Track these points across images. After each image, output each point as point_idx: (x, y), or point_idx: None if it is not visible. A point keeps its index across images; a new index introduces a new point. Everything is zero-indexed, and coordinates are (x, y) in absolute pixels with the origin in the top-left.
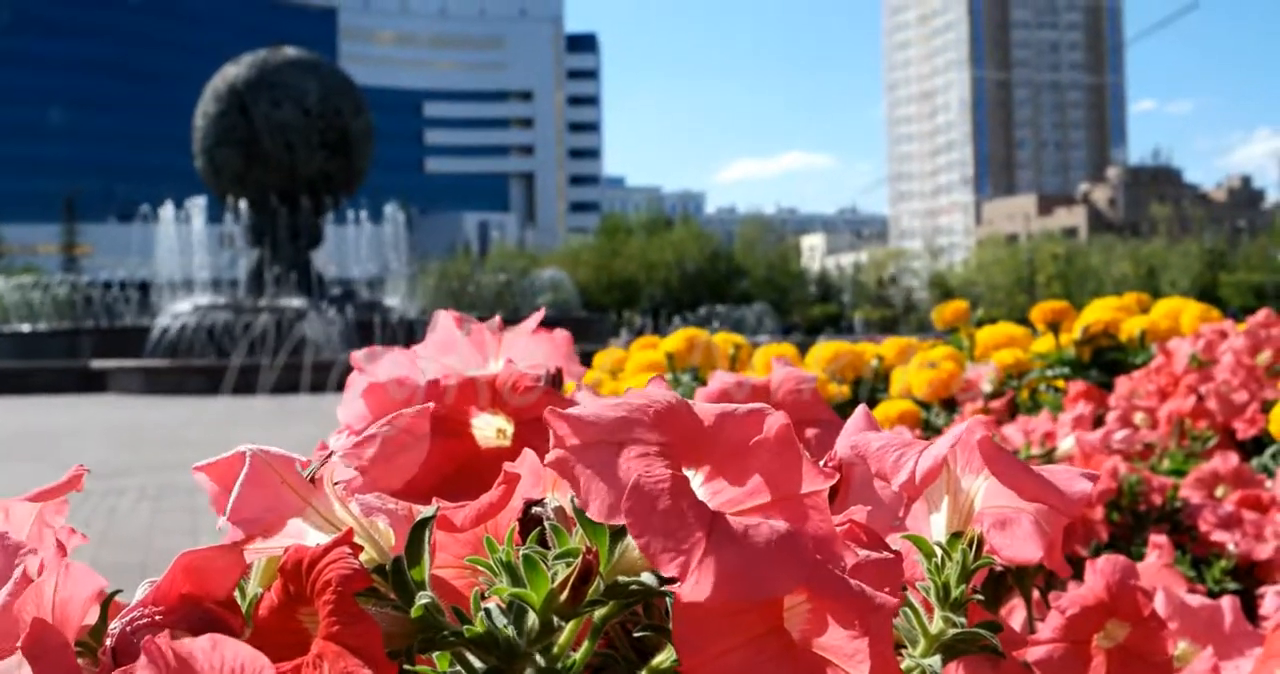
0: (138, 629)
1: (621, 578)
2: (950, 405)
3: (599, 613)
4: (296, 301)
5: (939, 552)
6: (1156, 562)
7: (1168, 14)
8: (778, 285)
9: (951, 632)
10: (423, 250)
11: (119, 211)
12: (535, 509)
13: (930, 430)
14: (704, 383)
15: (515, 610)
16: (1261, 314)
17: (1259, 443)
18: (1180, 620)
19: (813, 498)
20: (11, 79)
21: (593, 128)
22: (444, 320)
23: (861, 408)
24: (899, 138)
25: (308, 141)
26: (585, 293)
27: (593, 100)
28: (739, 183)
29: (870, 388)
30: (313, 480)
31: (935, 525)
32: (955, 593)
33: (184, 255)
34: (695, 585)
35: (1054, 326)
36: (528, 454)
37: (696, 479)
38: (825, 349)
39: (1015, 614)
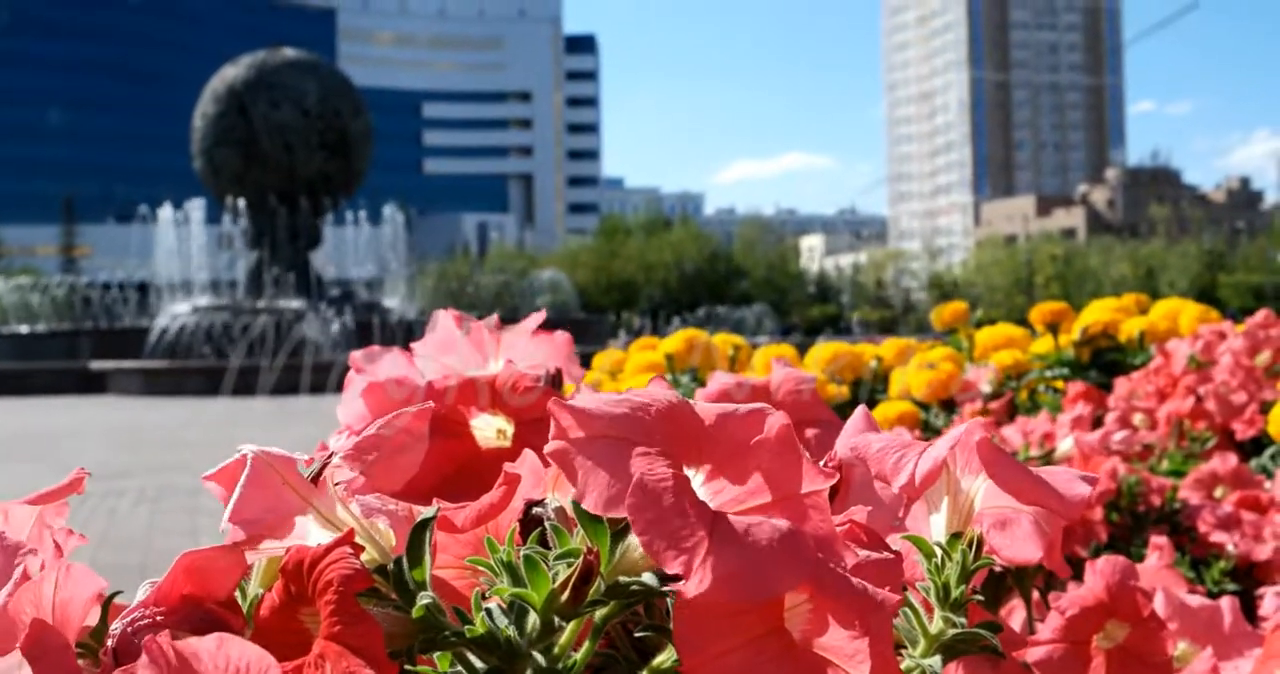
0: (139, 630)
1: (622, 578)
2: (949, 406)
3: (600, 613)
4: (295, 303)
5: (939, 552)
6: (1156, 562)
7: (1167, 15)
8: (777, 286)
9: (951, 632)
10: (421, 251)
11: (118, 213)
12: (536, 510)
13: (929, 431)
14: (703, 384)
15: (516, 611)
16: (1260, 315)
17: (1258, 444)
18: (1180, 621)
19: (813, 498)
20: (11, 80)
21: (591, 129)
22: (443, 320)
23: (861, 409)
24: (898, 139)
25: (307, 142)
26: (584, 294)
27: (592, 101)
28: (738, 184)
29: (869, 389)
30: (314, 481)
31: (935, 526)
32: (955, 593)
33: (183, 256)
34: (699, 583)
35: (1053, 327)
36: (528, 455)
37: (697, 478)
38: (824, 350)
39: (1015, 615)
